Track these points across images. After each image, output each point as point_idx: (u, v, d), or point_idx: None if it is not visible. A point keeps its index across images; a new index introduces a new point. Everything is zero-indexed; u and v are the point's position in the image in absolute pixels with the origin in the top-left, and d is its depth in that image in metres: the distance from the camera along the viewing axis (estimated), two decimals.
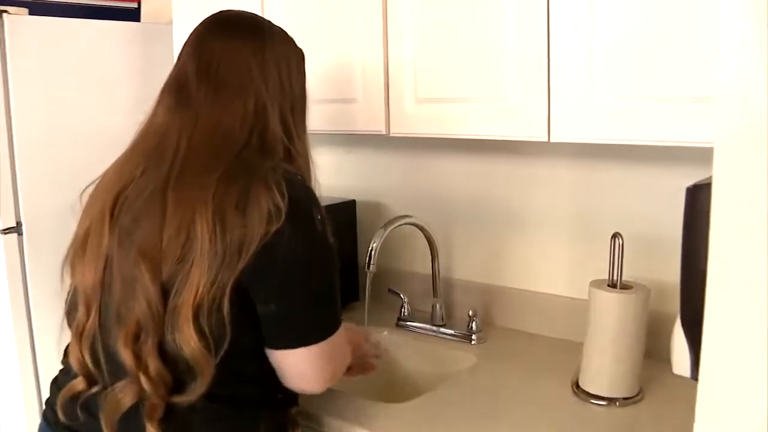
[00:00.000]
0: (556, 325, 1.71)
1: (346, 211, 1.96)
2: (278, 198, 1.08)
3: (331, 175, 2.08)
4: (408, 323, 1.83)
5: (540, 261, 1.74)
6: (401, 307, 1.84)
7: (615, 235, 1.40)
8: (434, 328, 1.78)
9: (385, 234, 1.65)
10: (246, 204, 1.08)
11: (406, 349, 1.78)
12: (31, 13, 2.08)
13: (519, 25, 1.37)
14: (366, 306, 1.65)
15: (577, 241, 1.68)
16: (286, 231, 1.08)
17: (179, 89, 1.21)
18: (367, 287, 1.63)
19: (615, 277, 1.40)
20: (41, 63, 1.98)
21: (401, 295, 1.84)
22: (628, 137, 1.27)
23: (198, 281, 1.06)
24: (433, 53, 1.50)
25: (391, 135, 1.60)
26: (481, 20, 1.41)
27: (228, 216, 1.08)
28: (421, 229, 1.74)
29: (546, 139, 1.37)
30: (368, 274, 1.62)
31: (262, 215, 1.07)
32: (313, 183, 1.27)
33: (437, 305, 1.79)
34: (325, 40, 1.67)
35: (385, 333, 1.83)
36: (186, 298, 1.07)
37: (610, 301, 1.37)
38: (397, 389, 1.71)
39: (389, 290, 1.85)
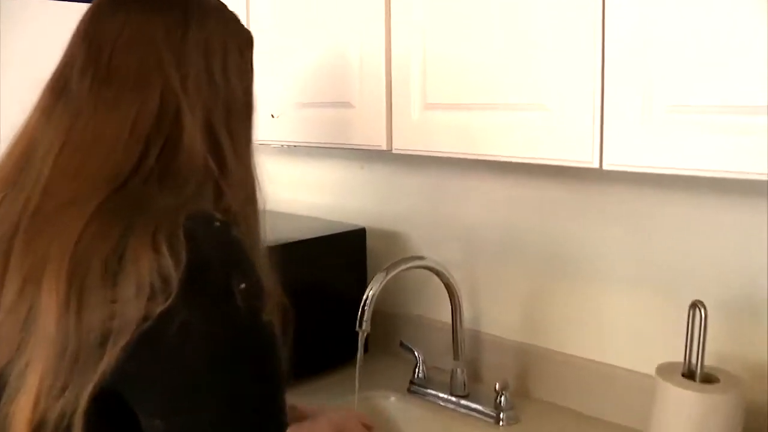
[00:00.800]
0: (611, 405, 1.29)
1: (354, 242, 1.58)
2: (167, 262, 0.70)
3: (339, 195, 1.71)
4: (422, 389, 1.44)
5: (592, 318, 1.33)
6: (415, 368, 1.45)
7: (695, 305, 0.98)
8: (454, 399, 1.38)
9: (386, 280, 1.26)
10: (120, 267, 0.71)
11: (417, 424, 1.39)
12: None
13: (564, 11, 0.97)
14: (357, 374, 1.26)
15: (641, 295, 1.26)
16: (179, 313, 0.70)
17: (60, 85, 0.85)
18: (359, 351, 1.25)
19: (693, 363, 0.98)
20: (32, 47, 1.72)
21: (415, 352, 1.45)
22: (707, 167, 0.86)
23: (38, 386, 0.70)
24: (448, 43, 1.11)
25: (394, 151, 1.21)
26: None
27: (90, 284, 0.71)
28: (438, 273, 1.34)
29: (596, 165, 0.97)
30: (360, 334, 1.24)
31: (141, 288, 0.70)
32: (258, 226, 0.90)
33: (458, 370, 1.39)
34: (314, 26, 1.30)
35: (393, 399, 1.44)
36: (21, 408, 0.71)
37: (685, 400, 0.95)
38: None
39: (401, 344, 1.47)
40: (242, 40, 0.92)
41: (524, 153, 1.04)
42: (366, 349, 1.41)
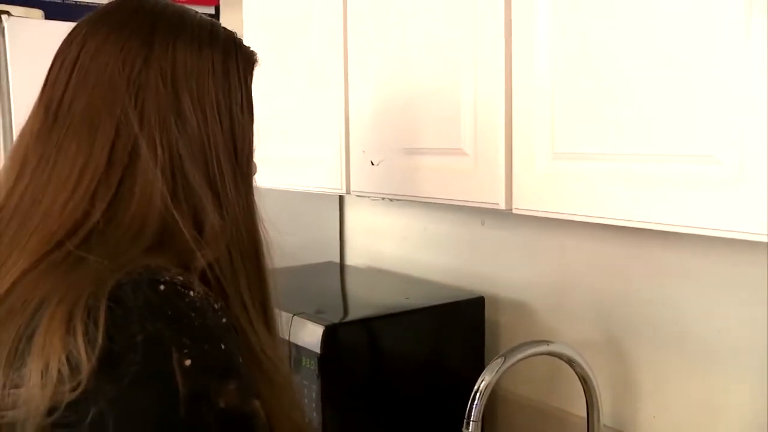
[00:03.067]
0: None
1: (470, 313, 1.34)
2: (79, 341, 0.57)
3: (452, 254, 1.47)
4: None
5: (747, 423, 1.03)
6: None
7: None
8: None
9: (504, 368, 1.01)
10: (27, 347, 0.59)
11: None
12: (48, 17, 1.76)
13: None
14: None
15: None
16: (92, 402, 0.57)
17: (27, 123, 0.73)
18: None
19: None
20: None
21: None
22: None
23: None
24: (583, 76, 0.87)
25: (514, 212, 0.97)
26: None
27: None
28: (570, 362, 1.08)
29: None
30: None
31: (48, 373, 0.58)
32: (264, 286, 0.77)
33: None
34: (413, 54, 1.09)
35: None
36: None
37: None
38: None
39: None
40: (237, 62, 0.75)
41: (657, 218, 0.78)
42: None
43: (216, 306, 0.65)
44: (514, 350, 1.04)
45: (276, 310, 0.78)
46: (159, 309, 0.61)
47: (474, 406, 0.99)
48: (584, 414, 1.12)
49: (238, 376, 0.63)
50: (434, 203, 1.41)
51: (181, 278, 0.64)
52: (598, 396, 1.09)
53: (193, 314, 0.62)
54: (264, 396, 0.67)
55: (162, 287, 0.62)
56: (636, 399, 1.18)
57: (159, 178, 0.67)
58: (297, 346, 1.21)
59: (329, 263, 1.70)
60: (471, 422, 0.98)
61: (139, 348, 0.58)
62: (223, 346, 0.63)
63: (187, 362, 0.59)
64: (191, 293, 0.63)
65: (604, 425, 1.12)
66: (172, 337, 0.60)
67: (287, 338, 1.23)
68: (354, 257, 1.76)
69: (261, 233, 0.77)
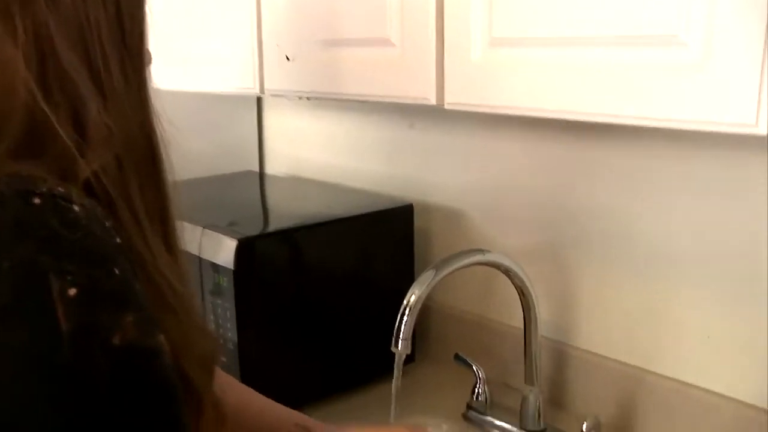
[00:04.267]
0: None
1: (399, 222, 1.24)
2: None
3: (381, 162, 1.37)
4: (482, 417, 1.11)
5: (695, 333, 0.98)
6: (474, 387, 1.12)
7: None
8: None
9: (435, 281, 0.92)
10: None
11: None
12: None
13: None
14: (393, 402, 0.93)
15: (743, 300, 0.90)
16: None
17: None
18: (394, 378, 0.92)
19: None
20: None
21: (474, 368, 1.11)
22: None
23: None
24: None
25: (446, 107, 0.86)
26: None
27: None
28: (506, 272, 1.00)
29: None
30: (396, 356, 0.91)
31: None
32: (164, 199, 0.63)
33: (531, 397, 1.05)
34: None
35: (445, 428, 1.12)
36: None
37: None
38: None
39: (456, 357, 1.13)
40: None
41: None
42: (412, 358, 1.09)
43: (107, 224, 0.53)
44: (446, 261, 0.95)
45: (179, 224, 0.66)
46: (33, 228, 0.49)
47: (403, 322, 0.90)
48: (522, 325, 1.04)
49: (136, 306, 0.51)
50: (359, 103, 1.30)
51: (61, 189, 0.51)
52: (536, 307, 1.02)
53: (77, 233, 0.50)
54: (166, 326, 0.56)
55: (36, 200, 0.49)
56: (575, 310, 1.11)
57: (20, 60, 0.54)
58: (208, 263, 1.10)
59: (247, 173, 1.57)
60: (401, 340, 0.90)
61: (6, 277, 0.46)
62: (116, 271, 0.51)
63: (72, 292, 0.47)
64: (75, 207, 0.50)
65: (542, 336, 1.05)
66: (50, 262, 0.48)
67: (197, 254, 1.11)
68: (274, 166, 1.63)
69: (158, 134, 0.64)
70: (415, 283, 0.92)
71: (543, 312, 1.03)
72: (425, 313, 0.93)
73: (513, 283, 1.00)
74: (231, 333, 1.09)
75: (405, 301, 0.92)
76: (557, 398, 1.12)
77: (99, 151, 0.56)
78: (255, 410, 0.86)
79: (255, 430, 0.84)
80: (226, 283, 1.07)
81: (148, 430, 0.50)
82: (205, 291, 1.12)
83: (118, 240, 0.53)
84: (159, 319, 0.55)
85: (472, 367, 1.11)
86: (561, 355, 1.12)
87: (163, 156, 0.64)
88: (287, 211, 1.32)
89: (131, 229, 0.58)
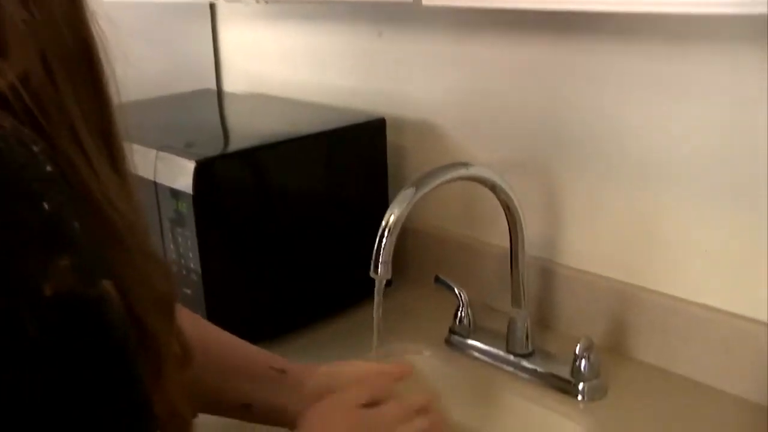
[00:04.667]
0: (736, 369, 0.89)
1: (370, 138, 1.16)
2: None
3: (348, 74, 1.27)
4: (465, 341, 1.04)
5: (691, 247, 0.92)
6: (457, 311, 1.05)
7: None
8: (512, 358, 0.99)
9: (415, 199, 0.84)
10: None
11: (457, 389, 1.00)
12: None
13: None
14: (375, 328, 0.86)
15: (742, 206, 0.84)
16: None
17: None
18: (375, 304, 0.85)
19: None
20: None
21: (456, 291, 1.05)
22: None
23: None
24: None
25: (424, 4, 0.77)
26: None
27: None
28: (492, 187, 0.92)
29: None
30: (377, 283, 0.84)
31: None
32: (108, 125, 0.52)
33: (518, 319, 0.99)
34: None
35: (427, 354, 1.06)
36: None
37: None
38: None
39: (437, 279, 1.06)
40: None
41: None
42: (389, 283, 1.02)
43: (35, 148, 0.43)
44: (426, 177, 0.86)
45: (128, 146, 0.56)
46: None
47: (383, 245, 0.82)
48: (507, 244, 0.97)
49: (72, 247, 0.42)
50: (322, 9, 1.20)
51: None
52: (522, 224, 0.94)
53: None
54: (116, 267, 0.46)
55: None
56: (564, 227, 1.04)
57: None
58: (166, 189, 1.00)
59: (203, 91, 1.46)
60: (381, 264, 0.82)
61: None
62: (46, 206, 0.41)
63: None
64: None
65: (529, 255, 0.98)
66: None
67: (152, 179, 1.02)
68: (233, 83, 1.52)
69: (94, 34, 0.53)
70: (393, 202, 0.84)
71: (529, 230, 0.96)
72: (401, 234, 0.85)
73: (498, 199, 0.92)
74: (194, 263, 1.00)
75: (383, 222, 0.84)
76: (545, 319, 1.06)
77: (18, 54, 0.46)
78: (224, 351, 0.78)
79: (224, 372, 0.76)
80: (186, 209, 0.98)
81: (91, 393, 0.41)
82: (164, 220, 1.03)
83: (49, 168, 0.43)
84: (108, 259, 0.46)
85: (453, 289, 1.04)
86: (548, 274, 1.05)
87: (103, 60, 0.53)
88: (249, 130, 1.22)
89: (70, 150, 0.48)
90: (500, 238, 1.04)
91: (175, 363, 0.56)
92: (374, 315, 0.85)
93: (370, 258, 0.84)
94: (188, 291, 1.02)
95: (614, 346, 0.99)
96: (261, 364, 0.78)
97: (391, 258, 0.83)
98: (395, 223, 0.83)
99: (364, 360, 0.84)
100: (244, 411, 0.76)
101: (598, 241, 1.01)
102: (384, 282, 0.84)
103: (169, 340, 0.54)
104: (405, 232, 0.84)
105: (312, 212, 1.09)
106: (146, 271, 0.51)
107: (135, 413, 0.44)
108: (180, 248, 1.02)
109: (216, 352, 0.77)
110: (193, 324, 0.77)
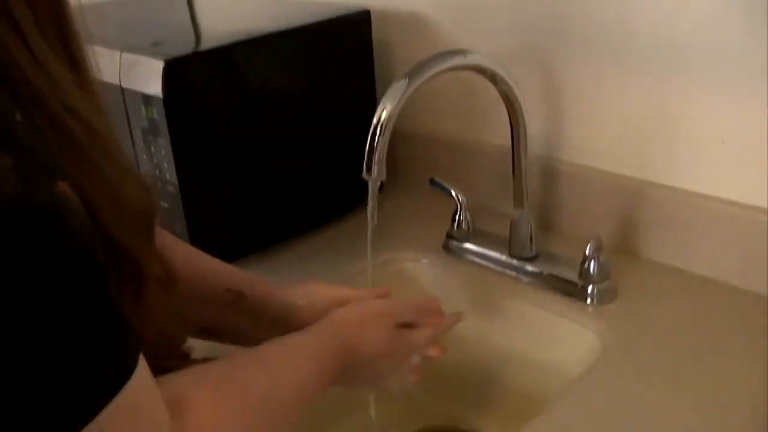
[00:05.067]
0: (754, 264, 0.84)
1: (353, 32, 1.06)
2: None
3: None
4: (464, 246, 0.98)
5: (705, 137, 0.85)
6: (455, 215, 0.99)
7: None
8: (515, 263, 0.93)
9: (408, 93, 0.76)
10: None
11: (457, 297, 0.94)
12: None
13: None
14: (369, 237, 0.79)
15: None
16: None
17: None
18: (369, 208, 0.78)
19: None
20: None
21: (453, 193, 0.98)
22: None
23: None
24: None
25: None
26: None
27: None
28: (492, 78, 0.83)
29: None
30: (370, 184, 0.77)
31: None
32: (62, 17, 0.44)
33: (522, 221, 0.92)
34: None
35: (424, 262, 1.00)
36: None
37: None
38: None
39: (432, 182, 0.99)
40: None
41: None
42: (380, 188, 0.95)
43: None
44: (420, 67, 0.78)
45: (90, 48, 0.48)
46: None
47: (375, 143, 0.75)
48: (505, 143, 0.90)
49: (15, 145, 0.36)
50: None
51: None
52: (524, 116, 0.87)
53: None
54: (77, 176, 0.40)
55: None
56: (566, 120, 0.97)
57: None
58: (134, 94, 0.91)
59: None
60: (374, 164, 0.74)
61: None
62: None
63: None
64: None
65: (530, 153, 0.91)
66: None
67: (118, 84, 0.93)
68: None
69: None
70: (385, 96, 0.76)
71: (530, 126, 0.88)
72: (391, 137, 0.78)
73: (498, 91, 0.84)
74: (170, 174, 0.92)
75: (375, 119, 0.76)
76: (548, 222, 1.00)
77: None
78: (192, 274, 0.71)
79: (192, 296, 0.70)
80: (157, 115, 0.90)
81: (55, 307, 0.36)
82: (135, 130, 0.95)
83: None
84: (67, 166, 0.40)
85: (450, 192, 0.97)
86: (550, 172, 0.99)
87: None
88: (222, 26, 1.12)
89: (13, 46, 0.41)
90: (498, 137, 0.97)
91: (159, 287, 0.51)
92: (368, 220, 0.78)
93: (360, 161, 0.76)
94: (165, 204, 0.95)
95: (623, 247, 0.94)
96: (218, 287, 0.72)
97: (385, 158, 0.75)
98: (388, 118, 0.75)
99: (327, 282, 0.78)
100: (204, 335, 0.72)
101: (604, 135, 0.94)
102: (378, 184, 0.76)
103: (148, 259, 0.48)
104: (395, 135, 0.76)
105: (295, 114, 1.00)
106: (118, 186, 0.45)
107: (108, 330, 0.39)
108: (154, 158, 0.94)
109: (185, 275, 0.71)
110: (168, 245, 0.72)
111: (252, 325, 0.72)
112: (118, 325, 0.39)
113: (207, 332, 0.72)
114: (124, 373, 0.39)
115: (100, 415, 0.37)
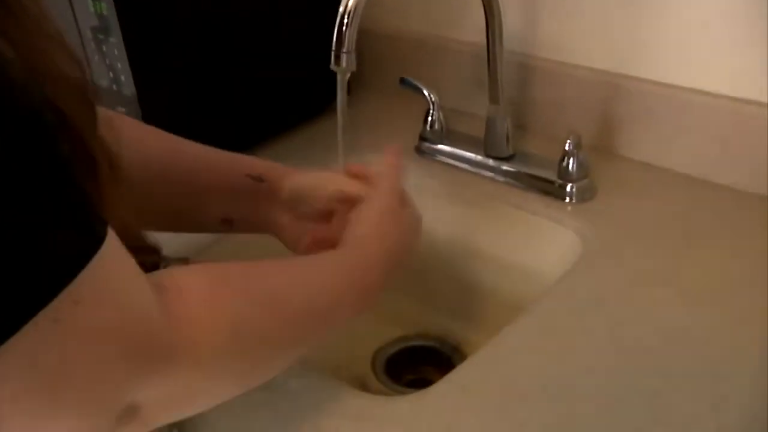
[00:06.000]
0: (734, 159, 0.82)
1: None
2: None
3: None
4: (438, 147, 0.95)
5: (687, 26, 0.81)
6: (427, 115, 0.95)
7: None
8: (491, 162, 0.90)
9: None
10: None
11: (431, 199, 0.91)
12: None
13: None
14: (340, 133, 0.75)
15: None
16: None
17: None
18: (339, 100, 0.73)
19: None
20: None
21: (425, 92, 0.94)
22: None
23: None
24: None
25: None
26: None
27: None
28: None
29: None
30: (339, 75, 0.72)
31: None
32: None
33: (497, 119, 0.88)
34: None
35: None
36: None
37: None
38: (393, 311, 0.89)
39: (402, 81, 0.95)
40: None
41: None
42: (347, 90, 0.90)
43: None
44: None
45: None
46: None
47: (344, 32, 0.70)
48: (476, 40, 0.86)
49: None
50: None
51: None
52: (500, 14, 0.82)
53: None
54: (13, 42, 0.36)
55: None
56: (538, 12, 0.92)
57: None
58: None
59: None
60: (343, 54, 0.70)
61: None
62: None
63: None
64: None
65: (508, 50, 0.87)
66: None
67: None
68: None
69: None
70: None
71: (508, 21, 0.84)
72: (357, 38, 0.73)
73: None
74: (125, 75, 0.87)
75: (341, 7, 0.71)
76: (523, 122, 0.97)
77: None
78: (198, 165, 0.68)
79: (200, 188, 0.67)
80: (107, 10, 0.83)
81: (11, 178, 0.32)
82: (84, 29, 0.88)
83: None
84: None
85: (422, 91, 0.93)
86: (525, 69, 0.94)
87: None
88: None
89: None
90: (469, 34, 0.92)
91: (109, 177, 0.46)
92: (338, 115, 0.73)
93: (328, 62, 0.71)
94: (123, 109, 0.89)
95: (601, 144, 0.91)
96: (237, 173, 0.69)
97: (354, 48, 0.71)
98: (355, 6, 0.70)
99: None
100: (225, 226, 0.70)
101: (578, 26, 0.90)
102: (348, 75, 0.72)
103: (95, 143, 0.44)
104: (361, 35, 0.71)
105: (260, 12, 0.94)
106: (50, 52, 0.40)
107: (69, 193, 0.36)
108: (107, 59, 0.88)
109: (189, 166, 0.68)
110: (158, 138, 0.68)
111: (271, 209, 0.70)
112: (78, 192, 0.36)
113: (229, 223, 0.69)
114: (93, 241, 0.36)
115: (73, 284, 0.34)
